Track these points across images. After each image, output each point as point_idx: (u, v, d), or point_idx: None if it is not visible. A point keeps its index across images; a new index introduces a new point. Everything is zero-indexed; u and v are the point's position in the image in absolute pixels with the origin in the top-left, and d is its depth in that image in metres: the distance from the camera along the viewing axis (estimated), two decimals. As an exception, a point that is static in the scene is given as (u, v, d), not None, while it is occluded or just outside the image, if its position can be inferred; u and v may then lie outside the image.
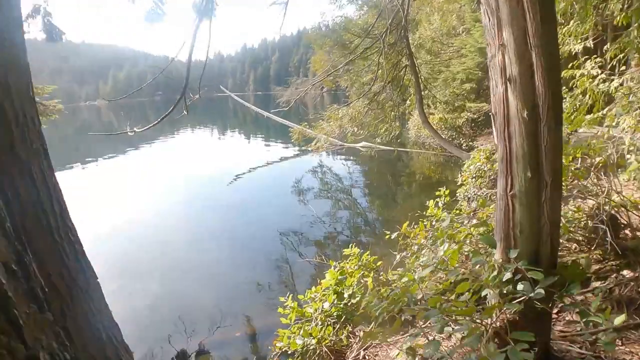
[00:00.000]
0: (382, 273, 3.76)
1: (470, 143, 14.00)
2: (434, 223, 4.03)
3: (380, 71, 9.40)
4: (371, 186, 12.74)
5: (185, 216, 10.36)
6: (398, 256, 3.66)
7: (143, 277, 7.09)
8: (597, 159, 3.39)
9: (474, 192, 6.70)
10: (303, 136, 12.60)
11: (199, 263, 7.63)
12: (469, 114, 14.92)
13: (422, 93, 10.60)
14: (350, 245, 3.91)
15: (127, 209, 10.93)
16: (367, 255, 3.70)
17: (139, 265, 7.56)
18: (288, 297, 3.44)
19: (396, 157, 14.56)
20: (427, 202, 4.21)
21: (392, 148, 13.23)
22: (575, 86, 4.69)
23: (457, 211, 4.33)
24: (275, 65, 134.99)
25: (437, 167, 13.55)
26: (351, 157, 15.75)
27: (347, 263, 3.62)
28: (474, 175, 6.92)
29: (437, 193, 4.26)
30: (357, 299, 3.02)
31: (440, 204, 4.13)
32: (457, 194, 6.99)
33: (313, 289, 3.59)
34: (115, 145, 23.03)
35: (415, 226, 3.99)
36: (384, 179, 13.40)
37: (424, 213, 4.23)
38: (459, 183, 7.27)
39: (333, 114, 11.48)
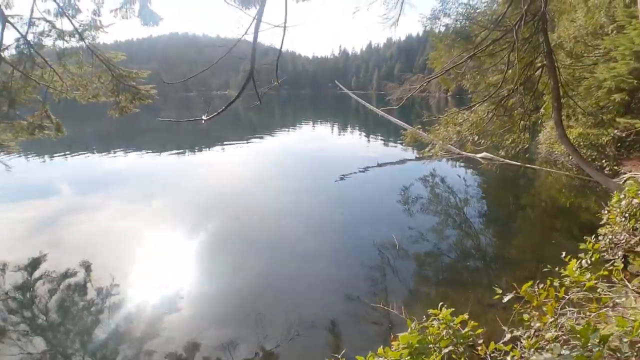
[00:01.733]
0: (480, 344, 2.68)
1: (615, 167, 11.32)
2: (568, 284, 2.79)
3: (510, 71, 7.84)
4: (488, 205, 11.07)
5: (289, 207, 10.57)
6: (508, 334, 2.55)
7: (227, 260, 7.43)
8: None
9: (625, 237, 4.96)
10: (415, 140, 11.46)
11: (287, 258, 7.52)
12: (615, 131, 12.04)
13: (562, 101, 8.67)
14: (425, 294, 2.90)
15: (241, 190, 12.50)
16: (464, 318, 2.65)
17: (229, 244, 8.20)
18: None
19: (520, 175, 12.52)
20: (563, 254, 2.94)
21: (519, 163, 11.32)
22: None
23: (605, 272, 2.98)
24: (399, 65, 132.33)
25: (569, 192, 11.25)
26: (468, 169, 14.07)
27: (432, 327, 2.62)
28: (626, 214, 5.12)
29: (582, 246, 2.93)
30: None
31: (584, 263, 2.83)
32: (600, 237, 5.31)
33: (381, 349, 2.70)
34: (242, 132, 25.11)
35: (540, 285, 2.81)
36: (504, 198, 11.54)
37: (554, 268, 2.97)
38: (602, 221, 5.56)
39: (451, 118, 10.12)
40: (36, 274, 7.17)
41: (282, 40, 3.13)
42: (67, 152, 18.96)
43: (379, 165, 15.63)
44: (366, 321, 5.45)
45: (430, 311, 2.70)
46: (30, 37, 5.86)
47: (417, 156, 15.11)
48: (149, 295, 6.40)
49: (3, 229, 9.34)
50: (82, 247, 8.19)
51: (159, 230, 9.11)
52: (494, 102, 8.84)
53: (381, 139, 24.76)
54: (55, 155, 18.49)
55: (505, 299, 2.69)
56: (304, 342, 5.09)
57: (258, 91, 3.51)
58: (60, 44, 6.05)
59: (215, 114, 3.42)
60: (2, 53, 5.66)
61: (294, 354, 4.93)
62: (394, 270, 6.87)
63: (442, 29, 8.57)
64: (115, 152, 19.42)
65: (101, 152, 19.35)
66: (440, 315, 2.61)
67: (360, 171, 14.54)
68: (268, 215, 9.95)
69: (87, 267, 7.26)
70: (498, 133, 9.56)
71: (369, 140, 24.89)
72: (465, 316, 2.71)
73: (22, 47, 5.82)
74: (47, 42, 6.03)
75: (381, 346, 2.65)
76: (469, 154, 12.54)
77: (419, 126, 10.29)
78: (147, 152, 19.70)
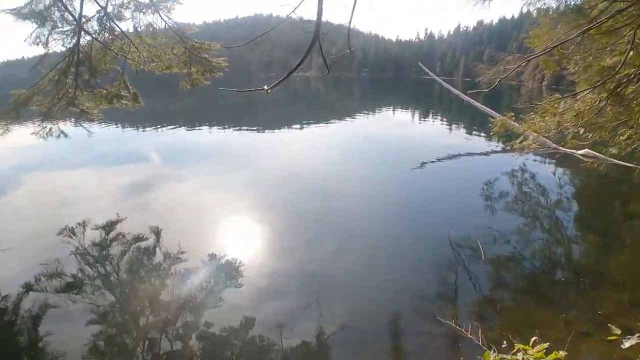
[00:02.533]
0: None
1: None
2: None
3: (632, 52, 6.48)
4: (586, 210, 9.63)
5: (363, 193, 10.22)
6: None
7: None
8: None
9: None
10: (505, 130, 10.21)
11: (356, 246, 7.22)
12: None
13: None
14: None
15: (317, 171, 12.19)
16: (559, 356, 2.00)
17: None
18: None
19: (631, 178, 10.75)
20: None
21: (632, 165, 9.65)
22: None
23: None
24: (489, 50, 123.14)
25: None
26: (565, 167, 12.44)
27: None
28: None
29: None
30: None
31: None
32: None
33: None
34: (322, 114, 25.12)
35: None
36: (607, 204, 9.93)
37: None
38: None
39: (551, 106, 8.78)
40: (112, 234, 7.59)
41: (354, 4, 2.69)
42: (157, 126, 20.23)
43: (461, 155, 14.54)
44: (430, 332, 4.86)
45: (519, 346, 2.06)
46: (109, 9, 6.03)
47: (505, 148, 13.77)
48: (215, 265, 6.55)
49: (90, 192, 10.06)
50: (159, 214, 8.57)
51: (235, 204, 9.28)
52: (607, 89, 7.44)
53: (464, 128, 23.16)
54: (146, 127, 19.81)
55: (627, 345, 1.98)
56: (358, 337, 4.83)
57: (326, 58, 3.08)
58: (137, 15, 6.15)
59: (276, 82, 3.11)
60: (83, 25, 5.88)
61: (346, 346, 4.71)
62: (469, 274, 6.16)
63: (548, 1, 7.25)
64: (199, 127, 20.39)
65: (187, 126, 20.43)
66: (532, 352, 1.97)
67: (439, 160, 13.63)
68: (341, 199, 9.64)
69: (161, 233, 7.55)
70: (609, 127, 8.11)
71: (450, 129, 23.40)
72: (561, 354, 2.05)
73: (102, 18, 6.00)
74: (126, 14, 6.17)
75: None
76: (568, 150, 11.02)
77: (511, 113, 9.10)
78: (229, 129, 20.38)
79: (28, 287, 5.98)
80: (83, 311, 5.54)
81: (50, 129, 6.66)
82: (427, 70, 21.55)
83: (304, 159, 14.00)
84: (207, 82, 7.01)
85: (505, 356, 2.10)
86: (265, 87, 3.12)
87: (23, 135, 8.22)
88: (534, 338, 2.06)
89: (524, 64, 7.07)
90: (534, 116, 8.91)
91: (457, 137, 19.70)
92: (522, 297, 5.69)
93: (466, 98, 13.05)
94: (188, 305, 5.73)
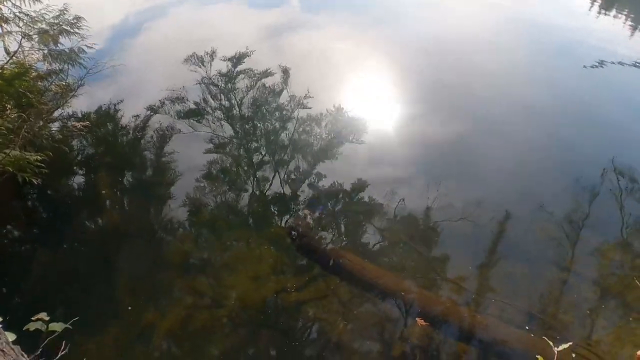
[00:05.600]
0: None
1: None
2: None
3: None
4: None
5: (515, 83, 8.21)
6: None
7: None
8: None
9: None
10: None
11: (497, 136, 6.22)
12: None
13: None
14: None
15: (468, 47, 9.87)
16: None
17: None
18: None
19: None
20: None
21: None
22: None
23: None
24: None
25: None
26: None
27: None
28: None
29: None
30: None
31: None
32: None
33: None
34: None
35: None
36: None
37: None
38: None
39: None
40: (240, 68, 7.40)
41: None
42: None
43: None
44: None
45: None
46: None
47: None
48: (338, 117, 6.30)
49: (226, 28, 9.75)
50: (291, 56, 8.08)
51: (370, 61, 8.50)
52: None
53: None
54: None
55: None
56: (471, 227, 4.49)
57: None
58: None
59: None
60: None
61: (456, 233, 4.46)
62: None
63: None
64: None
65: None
66: None
67: (621, 64, 10.15)
68: (489, 85, 7.91)
69: (289, 75, 7.20)
70: None
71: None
72: None
73: None
74: None
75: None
76: None
77: None
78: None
79: (154, 109, 6.24)
80: (202, 138, 5.73)
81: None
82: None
83: (456, 31, 11.51)
84: None
85: None
86: None
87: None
88: None
89: None
90: None
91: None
92: None
93: None
94: (303, 150, 5.61)
